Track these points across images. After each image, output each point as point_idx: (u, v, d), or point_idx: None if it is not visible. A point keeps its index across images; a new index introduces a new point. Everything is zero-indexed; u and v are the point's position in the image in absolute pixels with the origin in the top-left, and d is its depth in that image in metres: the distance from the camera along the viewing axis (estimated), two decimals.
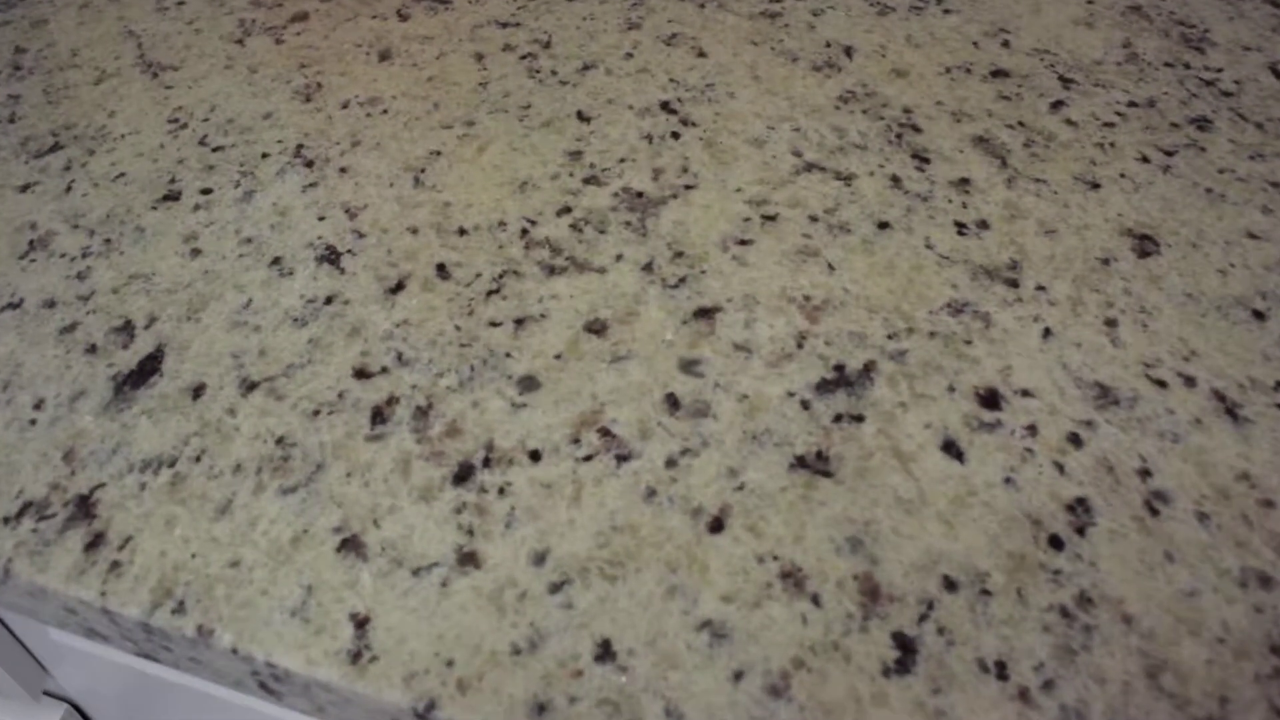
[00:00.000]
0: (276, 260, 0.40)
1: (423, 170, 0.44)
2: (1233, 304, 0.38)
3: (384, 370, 0.36)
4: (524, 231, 0.41)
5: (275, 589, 0.30)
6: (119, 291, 0.40)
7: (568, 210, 0.42)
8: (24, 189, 0.45)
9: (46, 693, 0.52)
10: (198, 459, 0.33)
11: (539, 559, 0.30)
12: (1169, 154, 0.45)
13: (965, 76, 0.50)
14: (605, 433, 0.33)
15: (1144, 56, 0.51)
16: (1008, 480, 0.32)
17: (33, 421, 0.35)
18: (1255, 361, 0.36)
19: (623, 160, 0.44)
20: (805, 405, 0.34)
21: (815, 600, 0.29)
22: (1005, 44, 0.52)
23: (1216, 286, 0.39)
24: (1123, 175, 0.44)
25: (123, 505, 0.32)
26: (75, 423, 0.35)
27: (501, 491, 0.32)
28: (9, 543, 0.32)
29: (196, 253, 0.41)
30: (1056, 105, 0.48)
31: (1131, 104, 0.48)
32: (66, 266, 0.41)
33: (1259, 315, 0.37)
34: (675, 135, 0.46)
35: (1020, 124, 0.47)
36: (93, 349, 0.38)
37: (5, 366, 0.37)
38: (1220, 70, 0.50)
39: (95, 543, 0.31)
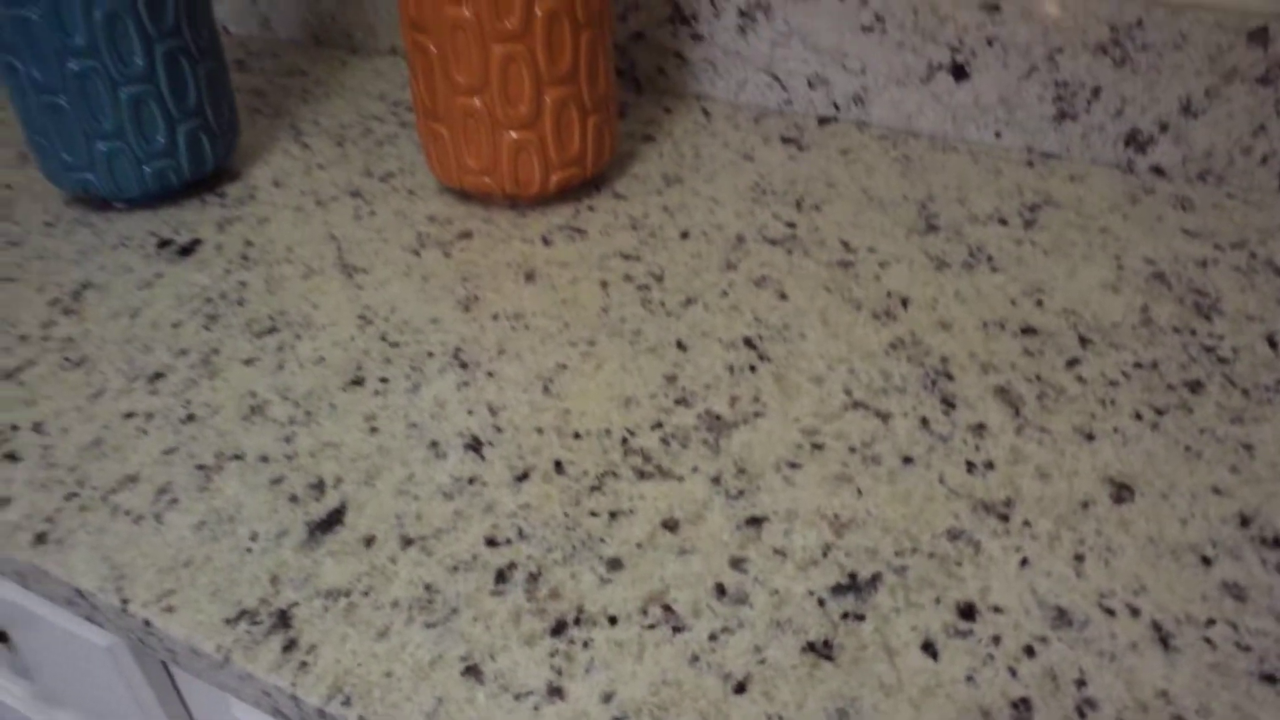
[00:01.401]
0: (434, 444, 0.53)
1: (551, 380, 0.57)
2: (1186, 550, 0.47)
3: (508, 541, 0.47)
4: (624, 440, 0.53)
5: (416, 697, 0.41)
6: (315, 455, 0.53)
7: (660, 425, 0.54)
8: (248, 362, 0.59)
9: None
10: (366, 593, 0.45)
11: (607, 698, 0.41)
12: (1160, 412, 0.54)
13: (999, 332, 0.60)
14: (667, 609, 0.44)
15: (1157, 321, 0.61)
16: (969, 678, 0.41)
17: (249, 550, 0.48)
18: (1194, 600, 0.45)
19: (708, 386, 0.56)
20: (821, 603, 0.44)
21: None
22: (1039, 303, 0.63)
23: (1176, 533, 0.48)
24: (1116, 430, 0.53)
25: (310, 621, 0.44)
26: (279, 554, 0.47)
27: (585, 645, 0.43)
28: (230, 638, 0.44)
29: (374, 430, 0.54)
30: (1072, 363, 0.58)
31: (1137, 364, 0.58)
32: (277, 430, 0.54)
33: (1206, 561, 0.46)
34: (753, 369, 0.57)
35: (1038, 377, 0.57)
36: (294, 499, 0.50)
37: (231, 504, 0.50)
38: (1222, 337, 0.60)
39: (290, 646, 0.43)
